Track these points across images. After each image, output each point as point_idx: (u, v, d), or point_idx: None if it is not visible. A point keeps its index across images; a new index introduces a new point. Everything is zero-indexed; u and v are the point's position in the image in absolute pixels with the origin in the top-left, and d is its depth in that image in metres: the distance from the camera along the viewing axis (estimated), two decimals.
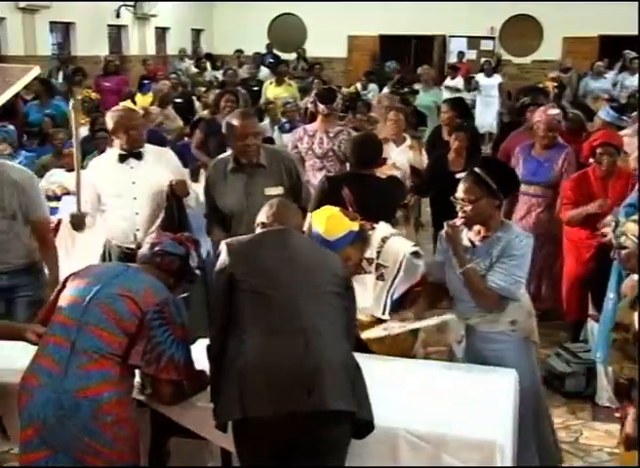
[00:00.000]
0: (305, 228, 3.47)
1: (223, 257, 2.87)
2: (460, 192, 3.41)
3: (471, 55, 17.30)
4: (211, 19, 19.30)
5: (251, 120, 4.47)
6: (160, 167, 4.50)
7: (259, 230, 3.09)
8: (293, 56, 17.25)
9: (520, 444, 3.20)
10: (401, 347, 3.62)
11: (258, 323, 2.74)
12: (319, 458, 2.70)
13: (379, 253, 3.59)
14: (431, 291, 3.62)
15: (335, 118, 6.20)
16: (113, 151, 4.59)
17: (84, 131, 8.14)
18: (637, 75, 12.64)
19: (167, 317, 2.84)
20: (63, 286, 3.02)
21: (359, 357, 2.86)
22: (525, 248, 3.40)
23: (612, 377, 4.51)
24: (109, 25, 15.55)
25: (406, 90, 10.67)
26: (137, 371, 2.92)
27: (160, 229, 4.12)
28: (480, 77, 13.58)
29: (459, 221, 3.44)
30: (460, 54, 16.35)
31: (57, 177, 6.33)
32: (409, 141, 6.32)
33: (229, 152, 4.53)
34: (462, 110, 6.94)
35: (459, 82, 13.41)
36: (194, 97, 10.98)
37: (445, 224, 3.47)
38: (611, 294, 4.12)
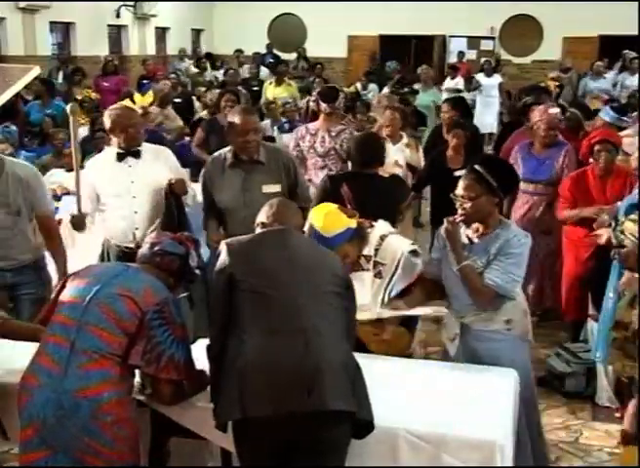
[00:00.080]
0: (306, 228, 3.48)
1: (223, 257, 2.87)
2: (459, 189, 3.41)
3: (471, 55, 17.30)
4: (211, 19, 19.31)
5: (252, 116, 4.49)
6: (158, 165, 4.51)
7: (258, 230, 3.09)
8: (293, 56, 17.25)
9: (516, 444, 3.20)
10: (398, 346, 3.63)
11: (258, 323, 2.74)
12: (319, 458, 2.70)
13: (377, 250, 3.60)
14: (427, 284, 3.62)
15: (337, 117, 6.21)
16: (111, 150, 4.59)
17: (84, 131, 8.16)
18: (637, 75, 12.64)
19: (167, 317, 2.83)
20: (63, 286, 3.02)
21: (359, 357, 2.86)
22: (523, 247, 3.40)
23: (612, 377, 4.52)
24: (109, 25, 15.56)
25: (406, 90, 10.67)
26: (137, 371, 2.92)
27: (160, 229, 4.13)
28: (480, 77, 13.58)
29: (458, 218, 3.44)
30: (461, 54, 16.35)
31: (57, 177, 6.33)
32: (405, 140, 6.33)
33: (228, 148, 4.53)
34: (464, 110, 6.95)
35: (459, 82, 13.40)
36: (194, 97, 10.99)
37: (445, 220, 3.47)
38: (610, 294, 4.11)
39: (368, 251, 3.61)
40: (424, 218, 7.16)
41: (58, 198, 5.99)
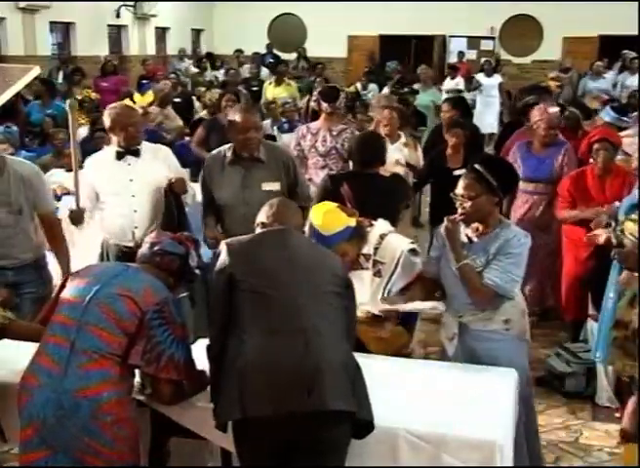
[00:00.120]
0: (307, 227, 3.49)
1: (223, 257, 2.87)
2: (459, 189, 3.41)
3: (471, 55, 17.31)
4: (211, 19, 19.31)
5: (253, 114, 4.51)
6: (158, 164, 4.51)
7: (258, 230, 3.08)
8: (293, 56, 17.25)
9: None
10: (396, 344, 3.64)
11: (258, 323, 2.74)
12: (319, 458, 2.70)
13: (376, 249, 3.60)
14: (426, 283, 3.62)
15: (338, 116, 6.22)
16: (110, 149, 4.59)
17: (84, 131, 8.16)
18: (637, 75, 12.64)
19: (167, 316, 2.83)
20: (63, 285, 3.02)
21: (359, 357, 2.86)
22: (523, 247, 3.40)
23: (612, 377, 4.52)
24: (109, 25, 15.57)
25: (406, 90, 10.67)
26: (137, 371, 2.92)
27: (160, 228, 4.13)
28: (480, 77, 13.57)
29: (458, 217, 3.44)
30: (461, 54, 16.34)
31: (57, 177, 6.33)
32: (403, 139, 6.33)
33: (228, 145, 4.54)
34: (464, 109, 6.95)
35: (459, 82, 13.39)
36: (194, 97, 10.99)
37: (445, 219, 3.47)
38: (611, 294, 4.11)
39: (367, 249, 3.61)
40: (424, 218, 7.15)
41: (58, 198, 5.98)
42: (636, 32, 11.18)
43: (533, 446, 3.53)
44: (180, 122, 8.87)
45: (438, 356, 3.78)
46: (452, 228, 3.44)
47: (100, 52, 14.41)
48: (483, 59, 15.27)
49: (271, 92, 11.38)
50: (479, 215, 3.41)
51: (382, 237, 3.62)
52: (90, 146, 6.59)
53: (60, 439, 2.72)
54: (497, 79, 13.53)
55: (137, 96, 9.16)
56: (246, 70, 14.20)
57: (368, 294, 3.55)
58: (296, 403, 2.61)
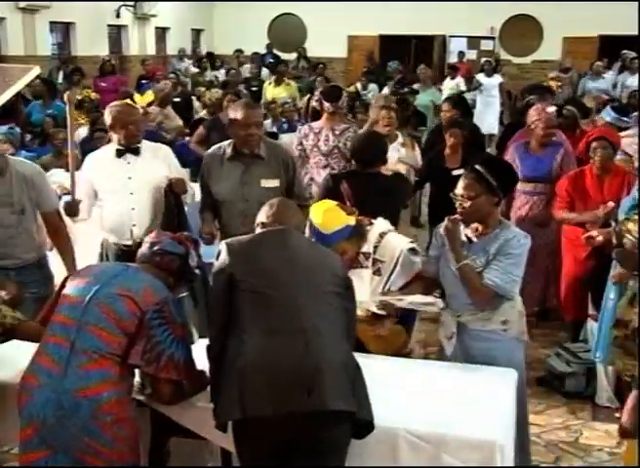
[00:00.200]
0: (307, 226, 3.49)
1: (223, 257, 2.87)
2: (459, 189, 3.41)
3: (471, 55, 17.31)
4: (211, 19, 19.32)
5: (254, 110, 4.49)
6: (157, 163, 4.51)
7: (258, 230, 3.08)
8: (293, 56, 17.25)
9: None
10: (395, 343, 3.64)
11: (258, 323, 2.74)
12: (319, 458, 2.70)
13: (376, 248, 3.60)
14: (426, 282, 3.62)
15: (340, 116, 6.23)
16: (111, 146, 4.60)
17: (84, 131, 8.17)
18: (637, 75, 12.64)
19: (167, 316, 2.83)
20: (63, 285, 3.02)
21: (359, 357, 2.86)
22: (523, 248, 3.40)
23: (612, 377, 4.53)
24: (109, 25, 15.57)
25: (406, 90, 10.67)
26: (136, 371, 2.92)
27: (160, 228, 4.13)
28: (480, 77, 13.57)
29: (458, 217, 3.44)
30: (461, 54, 16.34)
31: (57, 177, 6.31)
32: (401, 139, 6.34)
33: (228, 141, 4.54)
34: (464, 109, 6.95)
35: (459, 82, 13.38)
36: (194, 97, 11.00)
37: (446, 219, 3.48)
38: (611, 295, 4.12)
39: (367, 248, 3.61)
40: (424, 218, 7.15)
41: (58, 198, 5.98)
42: (636, 32, 11.20)
43: (524, 445, 3.53)
44: (179, 122, 8.88)
45: (437, 355, 3.78)
46: (452, 228, 3.44)
47: (99, 52, 14.41)
48: (483, 60, 15.26)
49: (271, 92, 11.39)
50: (479, 216, 3.41)
51: (382, 236, 3.63)
52: (90, 146, 6.60)
53: (60, 439, 2.72)
54: (497, 79, 13.52)
55: (136, 96, 9.18)
56: (246, 70, 14.20)
57: (367, 293, 3.56)
58: (296, 403, 2.61)
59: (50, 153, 7.04)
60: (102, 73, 12.13)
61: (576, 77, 13.58)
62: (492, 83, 13.34)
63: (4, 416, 3.12)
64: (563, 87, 11.49)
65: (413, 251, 3.62)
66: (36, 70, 5.10)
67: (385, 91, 11.70)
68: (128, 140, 4.45)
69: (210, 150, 4.69)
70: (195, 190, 4.79)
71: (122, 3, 15.44)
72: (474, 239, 3.46)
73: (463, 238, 3.48)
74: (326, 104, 6.06)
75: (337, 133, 5.97)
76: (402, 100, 8.37)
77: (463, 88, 13.08)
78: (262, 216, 3.10)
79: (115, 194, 4.45)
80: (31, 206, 4.02)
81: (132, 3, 15.70)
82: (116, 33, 16.04)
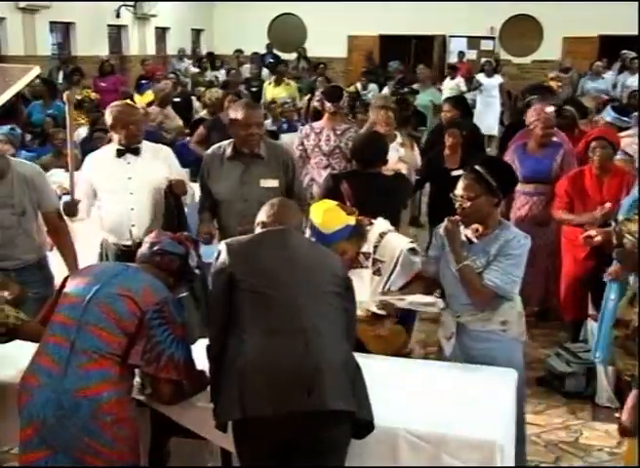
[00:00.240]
0: (308, 227, 3.49)
1: (223, 257, 2.87)
2: (459, 189, 3.41)
3: (471, 55, 17.31)
4: (211, 19, 19.31)
5: (255, 110, 4.50)
6: (157, 163, 4.51)
7: (259, 230, 3.08)
8: (293, 56, 17.25)
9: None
10: (395, 343, 3.64)
11: (258, 323, 2.74)
12: (319, 458, 2.70)
13: (376, 248, 3.60)
14: (426, 282, 3.63)
15: (341, 116, 6.24)
16: (111, 146, 4.60)
17: (84, 131, 8.17)
18: (637, 75, 12.64)
19: (166, 316, 2.83)
20: (63, 285, 3.02)
21: (359, 357, 2.86)
22: (523, 248, 3.40)
23: (612, 377, 4.53)
24: (109, 25, 15.57)
25: (406, 90, 10.68)
26: (137, 371, 2.92)
27: (161, 229, 4.13)
28: (481, 77, 13.57)
29: (458, 218, 3.44)
30: (461, 54, 16.33)
31: (57, 177, 6.31)
32: (399, 139, 6.34)
33: (228, 141, 4.54)
34: (464, 109, 6.95)
35: (459, 82, 13.37)
36: (193, 97, 11.00)
37: (446, 220, 3.48)
38: (612, 295, 4.12)
39: (367, 248, 3.61)
40: (424, 218, 7.16)
41: (58, 198, 5.98)
42: (636, 32, 11.19)
43: (521, 445, 3.53)
44: (179, 122, 8.88)
45: (436, 355, 3.78)
46: (452, 229, 3.44)
47: (99, 52, 14.41)
48: (483, 60, 15.26)
49: (271, 92, 11.39)
50: (478, 216, 3.41)
51: (382, 236, 3.63)
52: (90, 146, 6.60)
53: (60, 439, 2.72)
54: (497, 79, 13.52)
55: (136, 96, 9.18)
56: (246, 70, 14.21)
57: (367, 293, 3.56)
58: (296, 403, 2.61)
59: (50, 153, 7.04)
60: (102, 73, 12.14)
61: (576, 77, 13.58)
62: (492, 83, 13.34)
63: (4, 416, 3.12)
64: (563, 87, 11.48)
65: (413, 251, 3.62)
66: (36, 70, 5.10)
67: (385, 91, 11.71)
68: (128, 140, 4.45)
69: (210, 150, 4.69)
70: (195, 190, 4.79)
71: (122, 3, 15.44)
72: (474, 240, 3.46)
73: (463, 238, 3.48)
74: (327, 104, 6.07)
75: (338, 133, 5.98)
76: (402, 100, 8.38)
77: (464, 88, 13.08)
78: (263, 216, 3.10)
79: (115, 194, 4.45)
80: (32, 207, 4.02)
81: (132, 3, 15.70)
82: (116, 33, 16.04)
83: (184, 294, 3.16)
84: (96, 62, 13.02)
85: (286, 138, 7.73)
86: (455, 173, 5.25)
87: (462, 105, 7.01)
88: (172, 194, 4.43)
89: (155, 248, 3.07)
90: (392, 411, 2.87)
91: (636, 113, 6.82)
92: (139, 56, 15.64)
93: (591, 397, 4.69)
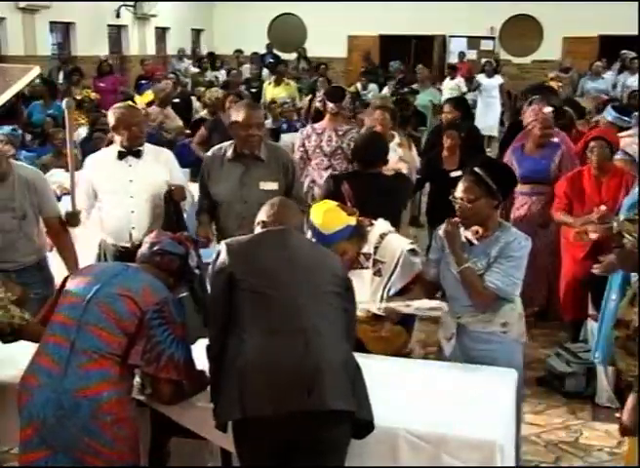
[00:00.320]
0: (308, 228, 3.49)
1: (223, 257, 2.86)
2: (458, 191, 3.41)
3: (471, 55, 17.31)
4: (211, 19, 19.32)
5: (256, 111, 4.50)
6: (158, 167, 4.51)
7: (259, 229, 3.08)
8: (293, 56, 17.25)
9: None
10: (395, 344, 3.64)
11: (258, 323, 2.74)
12: (319, 458, 2.70)
13: (376, 248, 3.60)
14: (427, 284, 3.63)
15: (343, 117, 6.24)
16: (113, 148, 4.60)
17: (83, 131, 8.17)
18: (637, 75, 12.64)
19: (166, 316, 2.83)
20: (63, 285, 3.02)
21: (359, 357, 2.86)
22: (523, 250, 3.40)
23: (612, 377, 4.52)
24: (109, 25, 15.57)
25: (406, 90, 10.68)
26: (137, 371, 2.92)
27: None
28: (481, 78, 13.57)
29: (458, 220, 3.44)
30: (462, 54, 16.34)
31: (57, 177, 6.32)
32: (397, 139, 6.34)
33: (229, 142, 4.54)
34: (465, 110, 6.95)
35: (459, 82, 13.37)
36: (193, 97, 11.00)
37: (446, 222, 3.47)
38: (613, 296, 4.11)
39: (367, 249, 3.61)
40: (423, 218, 7.16)
41: (58, 198, 5.97)
42: (636, 32, 11.18)
43: (517, 445, 3.53)
44: (180, 122, 8.88)
45: (436, 356, 3.78)
46: (452, 231, 3.44)
47: (99, 52, 14.41)
48: (484, 60, 15.27)
49: (270, 92, 11.40)
50: (478, 219, 3.41)
51: (383, 236, 3.63)
52: (89, 146, 6.61)
53: (59, 439, 2.72)
54: (497, 80, 13.52)
55: (137, 97, 9.18)
56: (246, 70, 14.21)
57: (368, 294, 3.56)
58: (296, 403, 2.61)
59: (50, 153, 7.05)
60: (100, 73, 12.16)
61: (576, 77, 13.59)
62: (492, 84, 13.34)
63: (4, 416, 3.12)
64: (564, 87, 11.49)
65: (413, 251, 3.62)
66: (36, 70, 5.10)
67: (385, 91, 11.72)
68: (131, 142, 4.45)
69: (211, 151, 4.69)
70: (194, 195, 4.78)
71: (122, 3, 15.44)
72: (474, 241, 3.46)
73: (463, 240, 3.47)
74: (329, 105, 6.06)
75: (340, 133, 5.98)
76: (402, 100, 8.39)
77: (464, 89, 13.09)
78: (263, 216, 3.10)
79: (115, 195, 4.44)
80: (33, 211, 4.02)
81: (132, 3, 15.70)
82: (116, 33, 16.05)
83: (184, 294, 3.16)
84: (96, 62, 13.03)
85: (286, 138, 7.74)
86: (453, 174, 5.26)
87: (463, 107, 7.02)
88: (171, 200, 4.43)
89: (155, 248, 3.07)
90: (392, 411, 2.87)
91: (637, 113, 6.83)
92: (139, 56, 15.64)
93: (591, 397, 4.69)
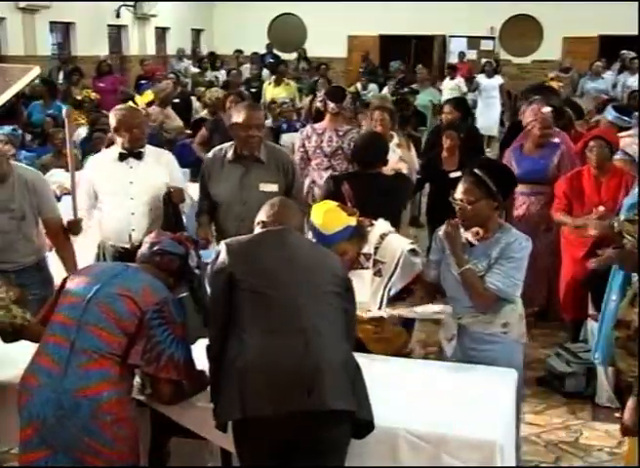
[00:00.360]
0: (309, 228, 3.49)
1: (223, 257, 2.86)
2: (458, 193, 3.40)
3: (471, 55, 17.32)
4: (211, 19, 19.32)
5: (256, 112, 4.50)
6: (159, 169, 4.51)
7: (258, 229, 3.08)
8: (293, 56, 17.25)
9: None
10: (396, 344, 3.64)
11: (258, 323, 2.74)
12: (319, 458, 2.70)
13: (376, 249, 3.60)
14: (427, 285, 3.63)
15: (344, 117, 6.23)
16: (113, 149, 4.60)
17: (83, 131, 8.17)
18: (637, 75, 12.64)
19: (166, 316, 2.83)
20: (62, 285, 3.02)
21: (359, 357, 2.86)
22: (524, 251, 3.40)
23: (612, 377, 4.52)
24: (109, 25, 15.58)
25: (406, 90, 10.69)
26: (137, 371, 2.92)
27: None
28: (481, 78, 13.57)
29: (458, 221, 3.44)
30: (462, 54, 16.34)
31: (57, 177, 6.33)
32: (396, 139, 6.34)
33: (230, 143, 4.54)
34: (465, 111, 6.95)
35: (459, 82, 13.37)
36: (193, 97, 11.00)
37: (446, 223, 3.47)
38: (613, 296, 4.11)
39: (368, 249, 3.61)
40: (423, 218, 7.16)
41: (58, 198, 5.98)
42: (636, 32, 11.18)
43: (516, 445, 3.54)
44: (180, 122, 8.88)
45: (436, 356, 3.78)
46: (452, 233, 3.44)
47: (100, 52, 14.41)
48: (484, 60, 15.27)
49: (270, 92, 11.40)
50: (478, 220, 3.40)
51: (383, 237, 3.63)
52: (89, 146, 6.61)
53: (59, 439, 2.72)
54: (497, 80, 13.52)
55: (137, 97, 9.18)
56: (246, 70, 14.21)
57: (368, 294, 3.56)
58: (296, 403, 2.61)
59: (50, 153, 7.05)
60: (99, 73, 12.15)
61: (576, 77, 13.59)
62: (492, 84, 13.34)
63: (4, 416, 3.12)
64: (563, 87, 11.49)
65: (413, 252, 3.62)
66: (36, 70, 5.10)
67: (385, 91, 11.72)
68: (132, 144, 4.45)
69: (211, 152, 4.69)
70: (194, 197, 4.77)
71: (122, 3, 15.44)
72: (475, 243, 3.45)
73: (464, 241, 3.47)
74: (330, 105, 6.06)
75: (340, 134, 5.97)
76: (402, 100, 8.39)
77: (464, 89, 13.08)
78: (263, 216, 3.10)
79: (115, 196, 4.44)
80: (32, 212, 4.02)
81: (132, 3, 15.71)
82: (116, 33, 16.05)
83: (184, 294, 3.16)
84: (95, 62, 13.03)
85: (286, 138, 7.74)
86: (453, 174, 5.26)
87: (463, 107, 7.02)
88: (170, 202, 4.43)
89: (155, 248, 3.07)
90: (392, 411, 2.87)
91: (637, 113, 6.83)
92: (138, 56, 15.64)
93: (591, 397, 4.69)
